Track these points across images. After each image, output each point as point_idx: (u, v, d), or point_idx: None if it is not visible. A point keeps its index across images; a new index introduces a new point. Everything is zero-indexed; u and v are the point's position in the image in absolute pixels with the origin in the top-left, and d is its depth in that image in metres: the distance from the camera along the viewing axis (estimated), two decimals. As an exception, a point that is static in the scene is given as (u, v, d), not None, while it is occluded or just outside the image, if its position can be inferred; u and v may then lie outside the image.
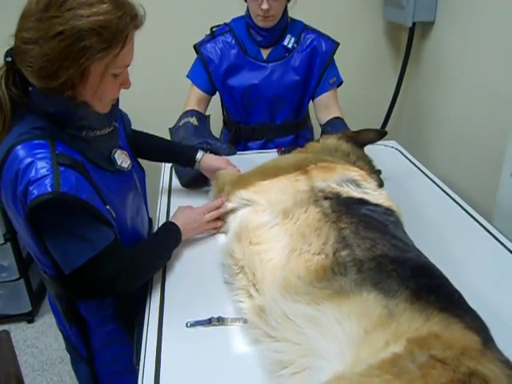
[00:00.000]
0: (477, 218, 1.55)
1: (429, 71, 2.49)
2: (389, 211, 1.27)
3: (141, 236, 1.36)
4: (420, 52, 2.56)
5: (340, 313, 0.94)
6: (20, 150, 1.01)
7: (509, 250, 1.39)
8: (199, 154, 1.60)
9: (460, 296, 0.99)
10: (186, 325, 1.14)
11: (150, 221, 1.52)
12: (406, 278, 0.99)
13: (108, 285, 1.13)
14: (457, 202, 1.64)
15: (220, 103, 2.17)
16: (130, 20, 1.02)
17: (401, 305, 0.92)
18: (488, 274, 1.30)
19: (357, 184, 1.33)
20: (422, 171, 1.85)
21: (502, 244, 1.42)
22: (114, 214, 1.13)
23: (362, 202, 1.26)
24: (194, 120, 1.93)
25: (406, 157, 1.97)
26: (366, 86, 2.81)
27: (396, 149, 2.05)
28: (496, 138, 1.84)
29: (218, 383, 1.00)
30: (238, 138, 2.11)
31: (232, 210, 1.43)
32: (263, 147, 2.11)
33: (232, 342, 1.10)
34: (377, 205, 1.27)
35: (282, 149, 1.96)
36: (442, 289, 0.99)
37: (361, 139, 1.67)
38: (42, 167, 0.99)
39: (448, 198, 1.67)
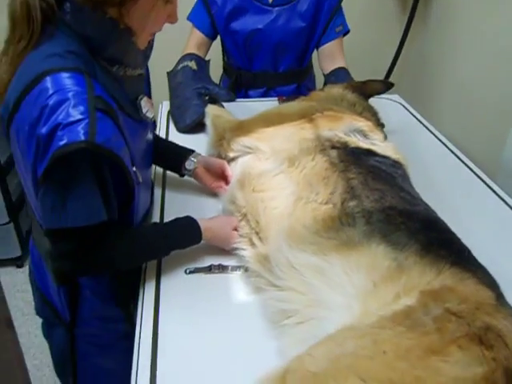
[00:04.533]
0: (480, 175, 1.52)
1: (436, 25, 2.41)
2: (397, 164, 1.23)
3: (148, 202, 1.23)
4: (427, 4, 2.46)
5: (348, 264, 0.92)
6: (51, 82, 0.85)
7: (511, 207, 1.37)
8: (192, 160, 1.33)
9: (469, 252, 0.97)
10: (185, 272, 1.11)
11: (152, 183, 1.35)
12: (415, 231, 0.97)
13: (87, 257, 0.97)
14: (460, 160, 1.60)
15: (221, 48, 2.08)
16: None
17: (411, 258, 0.89)
18: (490, 231, 1.28)
19: (364, 134, 1.29)
20: (425, 127, 1.80)
21: (504, 202, 1.40)
22: (140, 179, 1.01)
23: (370, 152, 1.22)
24: (193, 64, 1.85)
25: (410, 111, 1.92)
26: (371, 36, 2.71)
27: (399, 103, 1.99)
28: (504, 95, 1.79)
29: (219, 331, 0.98)
30: (238, 85, 2.03)
31: (233, 158, 1.38)
32: (264, 95, 2.03)
33: (233, 290, 1.08)
34: (385, 156, 1.23)
35: (284, 97, 1.91)
36: (452, 243, 0.97)
37: (366, 90, 1.62)
38: (77, 109, 0.84)
39: (452, 154, 1.64)
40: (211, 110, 1.65)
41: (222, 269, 1.12)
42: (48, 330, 1.27)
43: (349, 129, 1.29)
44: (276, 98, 1.94)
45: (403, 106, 1.97)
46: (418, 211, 1.05)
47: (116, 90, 0.98)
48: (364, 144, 1.25)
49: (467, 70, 2.12)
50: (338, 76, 1.90)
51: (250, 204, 1.14)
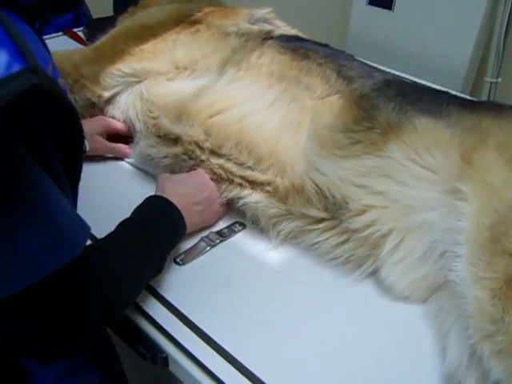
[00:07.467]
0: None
1: None
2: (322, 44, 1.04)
3: None
4: None
5: (410, 150, 0.73)
6: None
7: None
8: None
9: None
10: (176, 262, 0.73)
11: None
12: (429, 96, 0.83)
13: (74, 320, 0.52)
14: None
15: None
16: None
17: (462, 120, 0.76)
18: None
19: (270, 22, 1.05)
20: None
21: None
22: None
23: (299, 38, 1.00)
24: None
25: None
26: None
27: None
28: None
29: (292, 305, 0.68)
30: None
31: (111, 98, 0.96)
32: (38, 34, 1.50)
33: (258, 252, 0.76)
34: (310, 39, 1.03)
35: (73, 30, 1.46)
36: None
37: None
38: None
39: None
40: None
41: (220, 236, 0.78)
42: None
43: (251, 19, 1.03)
44: (61, 33, 1.46)
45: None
46: (400, 79, 0.91)
47: None
48: (282, 31, 1.01)
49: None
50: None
51: (218, 134, 0.79)
